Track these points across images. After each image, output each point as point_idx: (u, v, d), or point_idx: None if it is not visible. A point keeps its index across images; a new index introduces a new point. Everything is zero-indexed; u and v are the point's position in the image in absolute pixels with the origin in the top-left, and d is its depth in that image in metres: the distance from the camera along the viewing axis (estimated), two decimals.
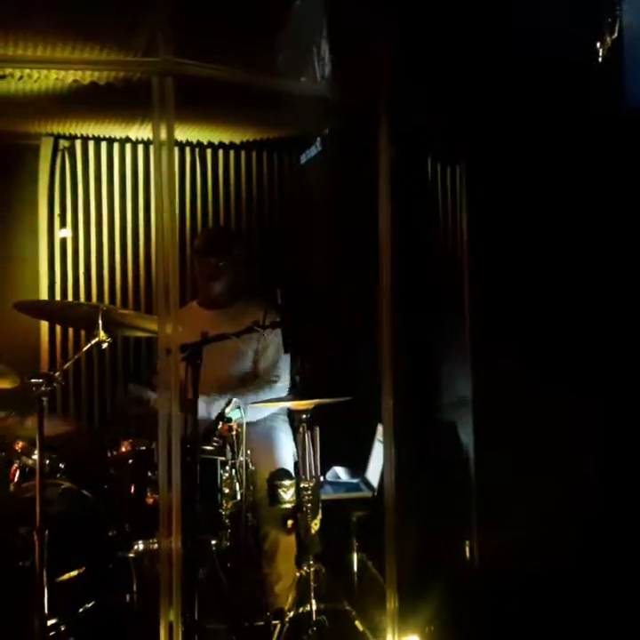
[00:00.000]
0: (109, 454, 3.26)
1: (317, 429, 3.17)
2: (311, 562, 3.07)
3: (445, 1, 3.13)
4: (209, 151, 4.65)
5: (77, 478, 3.29)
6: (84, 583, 3.08)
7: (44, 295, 4.40)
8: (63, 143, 4.46)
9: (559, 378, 3.27)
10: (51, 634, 2.88)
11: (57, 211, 4.46)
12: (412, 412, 3.43)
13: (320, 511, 3.11)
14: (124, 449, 3.22)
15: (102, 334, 3.07)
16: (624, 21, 3.08)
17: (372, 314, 2.74)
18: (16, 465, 3.31)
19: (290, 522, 3.17)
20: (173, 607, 2.38)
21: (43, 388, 2.85)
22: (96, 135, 4.48)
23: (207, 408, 3.51)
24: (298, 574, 3.13)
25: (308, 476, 3.14)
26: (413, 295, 3.49)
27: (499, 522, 3.21)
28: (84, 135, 4.47)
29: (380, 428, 3.64)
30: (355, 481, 3.89)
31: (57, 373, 2.94)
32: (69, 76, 3.50)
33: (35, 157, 4.44)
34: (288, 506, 3.15)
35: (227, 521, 3.16)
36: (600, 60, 3.11)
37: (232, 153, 4.68)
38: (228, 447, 3.23)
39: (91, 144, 4.50)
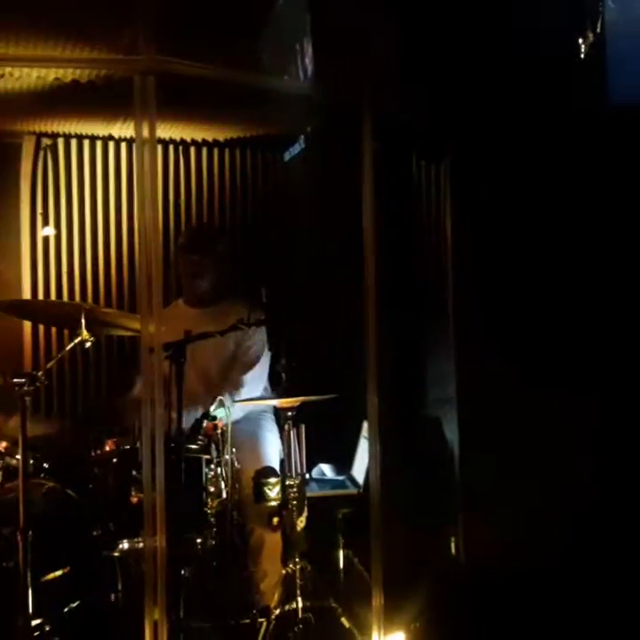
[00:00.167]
0: (93, 453, 3.25)
1: (303, 427, 3.17)
2: (297, 559, 3.07)
3: (427, 0, 3.13)
4: (192, 149, 4.64)
5: (61, 478, 3.28)
6: (69, 583, 3.07)
7: (26, 294, 4.38)
8: (45, 141, 4.44)
9: (544, 376, 3.28)
10: (35, 634, 2.86)
11: (39, 209, 4.44)
12: (398, 409, 3.44)
13: (306, 508, 3.11)
14: (108, 448, 3.21)
15: (85, 333, 3.06)
16: (606, 18, 3.09)
17: (358, 311, 2.74)
18: None
19: (275, 519, 3.17)
20: (158, 606, 2.37)
21: (26, 388, 2.84)
22: (79, 133, 4.46)
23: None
24: (284, 572, 3.13)
25: (294, 473, 3.13)
26: (398, 292, 3.49)
27: (484, 519, 3.22)
28: (67, 133, 4.45)
29: (365, 425, 3.65)
30: (340, 478, 3.90)
31: (40, 373, 2.93)
32: (51, 74, 3.48)
33: (17, 156, 4.41)
34: (274, 503, 3.15)
35: (212, 519, 3.15)
36: (582, 56, 3.12)
37: (216, 150, 4.67)
38: (214, 445, 3.22)
39: (73, 142, 4.48)
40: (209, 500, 3.15)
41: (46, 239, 4.45)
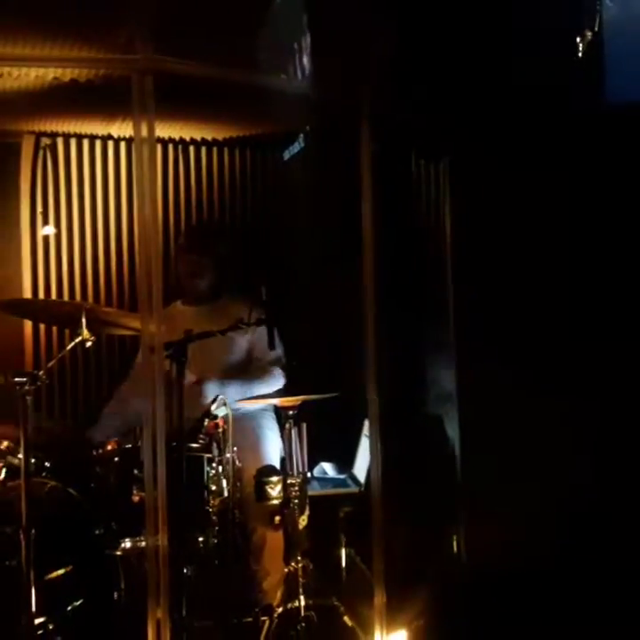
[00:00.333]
0: (95, 452, 3.25)
1: (304, 425, 3.17)
2: (299, 558, 3.08)
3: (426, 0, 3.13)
4: (191, 148, 4.63)
5: (63, 477, 3.28)
6: (72, 582, 3.08)
7: (27, 294, 4.38)
8: (45, 141, 4.43)
9: (544, 375, 3.28)
10: (38, 632, 2.87)
11: (39, 208, 4.44)
12: (399, 408, 3.44)
13: (307, 507, 3.12)
14: (109, 447, 3.22)
15: (86, 333, 3.07)
16: (604, 17, 3.09)
17: (358, 309, 2.74)
18: (1, 464, 3.30)
19: (277, 518, 3.17)
20: (161, 605, 2.38)
21: (27, 387, 2.85)
22: (78, 132, 4.46)
23: (221, 390, 3.54)
24: (286, 570, 3.14)
25: (296, 472, 3.14)
26: (397, 291, 3.50)
27: (486, 517, 3.22)
28: (66, 132, 4.44)
29: (366, 424, 3.65)
30: (342, 477, 3.90)
31: (41, 372, 2.94)
32: (50, 74, 3.47)
33: (16, 155, 4.41)
34: (275, 502, 3.15)
35: (214, 518, 3.16)
36: (580, 55, 3.12)
37: (215, 150, 4.67)
38: (215, 444, 3.23)
39: (72, 141, 4.47)
40: (211, 499, 3.15)
41: (46, 238, 4.45)
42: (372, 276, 2.67)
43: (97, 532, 3.15)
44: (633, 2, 3.14)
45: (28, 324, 4.38)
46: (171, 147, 4.59)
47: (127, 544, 3.07)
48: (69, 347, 3.14)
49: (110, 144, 4.52)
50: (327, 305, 4.09)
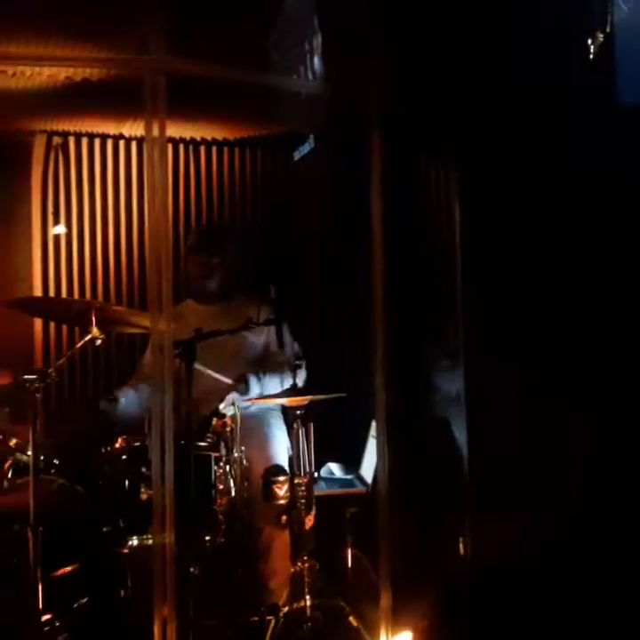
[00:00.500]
0: (103, 450, 3.26)
1: (312, 425, 3.18)
2: (305, 558, 3.08)
3: (436, 2, 3.13)
4: (202, 148, 4.65)
5: (71, 475, 3.29)
6: (79, 579, 3.09)
7: (37, 292, 4.40)
8: (56, 140, 4.46)
9: (552, 376, 3.27)
10: (45, 629, 2.88)
11: (50, 208, 4.46)
12: (406, 409, 3.45)
13: (314, 507, 3.12)
14: (117, 445, 3.22)
15: (96, 331, 3.08)
16: (616, 18, 3.09)
17: (366, 310, 2.75)
18: (10, 461, 3.31)
19: (284, 518, 3.17)
20: (167, 603, 2.39)
21: (37, 385, 2.86)
22: (89, 132, 4.48)
23: (260, 385, 3.58)
24: (292, 570, 3.14)
25: (303, 472, 3.14)
26: (406, 291, 3.50)
27: (493, 518, 3.22)
28: (78, 132, 4.46)
29: (374, 424, 3.65)
30: (349, 477, 3.91)
31: (51, 370, 2.95)
32: (62, 73, 3.50)
33: (28, 154, 4.43)
34: (282, 502, 3.15)
35: (221, 517, 3.16)
36: (592, 57, 3.11)
37: (225, 150, 4.68)
38: (223, 443, 3.24)
39: (84, 140, 4.50)
40: (218, 498, 3.16)
41: (57, 237, 4.47)
42: (381, 277, 2.67)
43: (104, 529, 3.15)
44: None
45: (38, 322, 4.40)
46: (182, 146, 4.61)
47: (134, 542, 3.08)
48: (79, 345, 3.15)
49: (122, 143, 4.54)
50: (336, 305, 4.10)
